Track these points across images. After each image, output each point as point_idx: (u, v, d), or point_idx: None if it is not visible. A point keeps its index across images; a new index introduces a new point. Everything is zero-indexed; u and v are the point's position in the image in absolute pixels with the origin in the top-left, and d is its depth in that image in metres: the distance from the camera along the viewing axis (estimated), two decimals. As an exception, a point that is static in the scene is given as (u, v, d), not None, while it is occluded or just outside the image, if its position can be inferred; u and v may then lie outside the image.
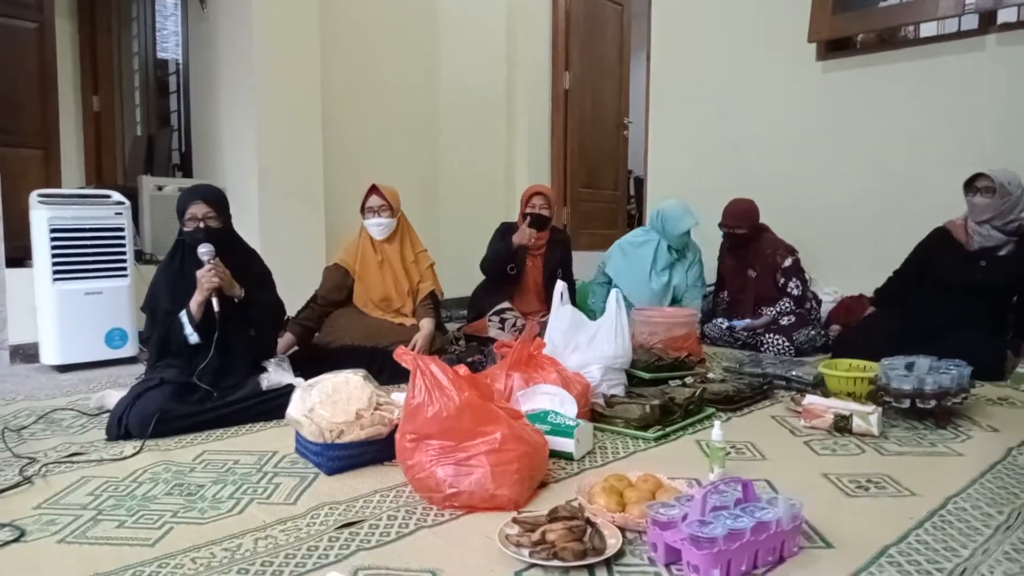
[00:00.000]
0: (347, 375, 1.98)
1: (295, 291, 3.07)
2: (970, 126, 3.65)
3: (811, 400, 2.28)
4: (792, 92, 4.31)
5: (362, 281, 3.12)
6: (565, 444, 1.94)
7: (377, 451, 1.90)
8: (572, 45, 5.68)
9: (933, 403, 2.22)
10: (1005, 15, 3.73)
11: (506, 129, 5.47)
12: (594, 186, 6.08)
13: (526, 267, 3.68)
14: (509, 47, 5.43)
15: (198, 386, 2.27)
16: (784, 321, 3.56)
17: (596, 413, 2.28)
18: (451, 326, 3.83)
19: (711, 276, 4.04)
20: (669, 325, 3.29)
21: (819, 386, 2.59)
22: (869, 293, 3.83)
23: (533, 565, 1.35)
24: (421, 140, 4.94)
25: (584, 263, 4.41)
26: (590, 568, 1.33)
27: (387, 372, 2.54)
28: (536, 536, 1.39)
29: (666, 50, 4.98)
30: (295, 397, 1.96)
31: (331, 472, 1.85)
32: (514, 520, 1.48)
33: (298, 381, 2.28)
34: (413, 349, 2.79)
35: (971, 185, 3.04)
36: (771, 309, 3.64)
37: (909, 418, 2.28)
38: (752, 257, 3.72)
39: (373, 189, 3.10)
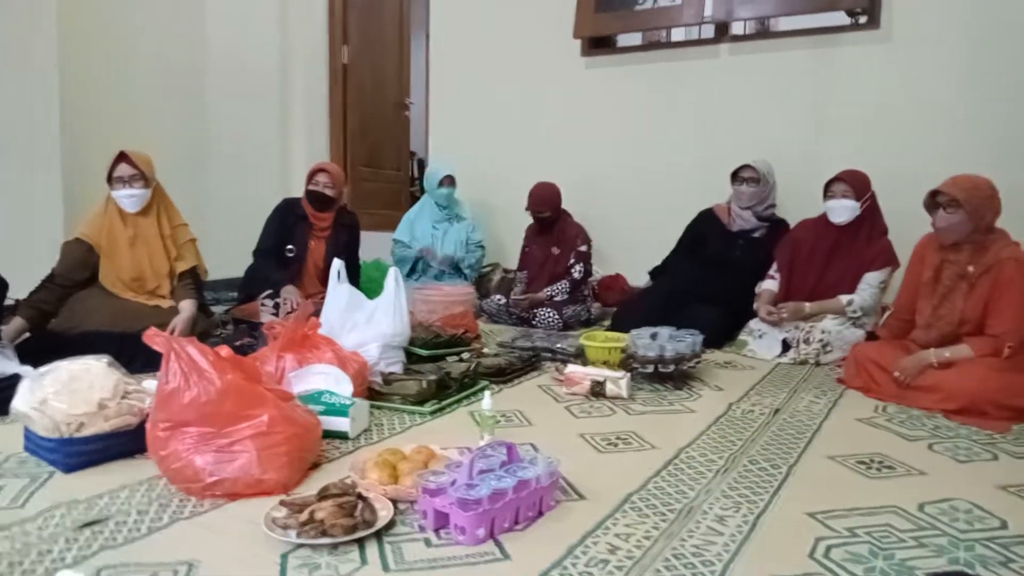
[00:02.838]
0: (88, 361, 1.78)
1: (26, 270, 2.68)
2: (711, 124, 4.14)
3: (571, 369, 2.48)
4: (560, 84, 4.58)
5: (110, 259, 2.80)
6: (340, 423, 1.92)
7: (126, 443, 1.73)
8: (350, 18, 5.53)
9: (672, 367, 2.52)
10: (736, 28, 4.29)
11: (280, 101, 5.19)
12: (376, 165, 6.00)
13: (308, 248, 3.53)
14: (282, 13, 5.14)
15: None
16: (558, 297, 3.81)
17: (373, 391, 2.27)
18: (219, 309, 3.58)
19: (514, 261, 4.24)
20: (447, 303, 3.37)
21: (580, 356, 2.81)
22: (626, 272, 4.25)
23: (301, 545, 1.32)
24: (185, 107, 4.52)
25: (366, 244, 4.34)
26: (360, 542, 1.34)
27: (141, 360, 2.30)
28: (304, 516, 1.36)
29: (445, 32, 5.04)
30: (22, 388, 1.72)
31: (69, 470, 1.66)
32: (281, 503, 1.43)
33: (25, 370, 2.00)
34: (172, 334, 2.57)
35: (737, 175, 3.46)
36: (553, 288, 3.86)
37: (653, 382, 2.56)
38: (558, 236, 3.93)
39: (121, 156, 2.78)
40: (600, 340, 2.80)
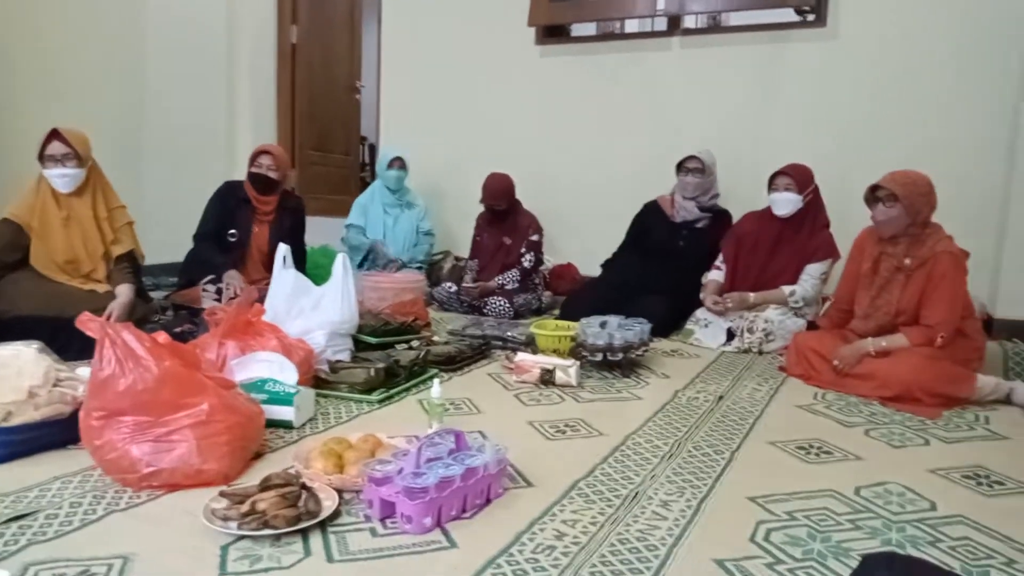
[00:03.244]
0: (17, 347, 1.70)
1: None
2: (663, 116, 4.16)
3: (521, 357, 2.48)
4: (513, 73, 4.55)
5: (42, 240, 2.68)
6: (284, 412, 1.88)
7: (57, 433, 1.67)
8: (300, -2, 5.40)
9: (620, 356, 2.54)
10: (688, 21, 4.33)
11: (226, 80, 5.03)
12: (325, 149, 5.88)
13: (252, 233, 3.44)
14: (229, -10, 4.98)
15: None
16: (509, 286, 3.80)
17: (319, 379, 2.23)
18: (158, 295, 3.47)
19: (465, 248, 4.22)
20: (397, 291, 3.33)
21: (530, 344, 2.81)
22: (577, 261, 4.27)
23: (242, 537, 1.29)
24: (123, 85, 4.34)
25: (314, 229, 4.26)
26: (304, 533, 1.31)
27: (75, 346, 2.19)
28: (246, 507, 1.33)
29: (398, 15, 4.95)
30: (-57, 376, 1.64)
31: (-4, 461, 1.58)
32: (221, 494, 1.40)
33: (-52, 358, 1.90)
34: (108, 320, 2.48)
35: (683, 166, 3.50)
36: (504, 277, 3.84)
37: (602, 369, 2.59)
38: (510, 226, 3.91)
39: (54, 134, 2.65)
40: (550, 328, 2.81)
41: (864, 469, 1.77)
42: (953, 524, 1.47)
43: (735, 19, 4.36)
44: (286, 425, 1.88)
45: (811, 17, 3.81)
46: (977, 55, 3.41)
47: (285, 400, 1.87)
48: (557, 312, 3.59)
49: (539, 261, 3.93)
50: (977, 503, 1.59)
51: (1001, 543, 1.39)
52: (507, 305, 3.69)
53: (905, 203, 2.44)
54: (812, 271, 3.13)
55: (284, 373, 1.97)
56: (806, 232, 3.17)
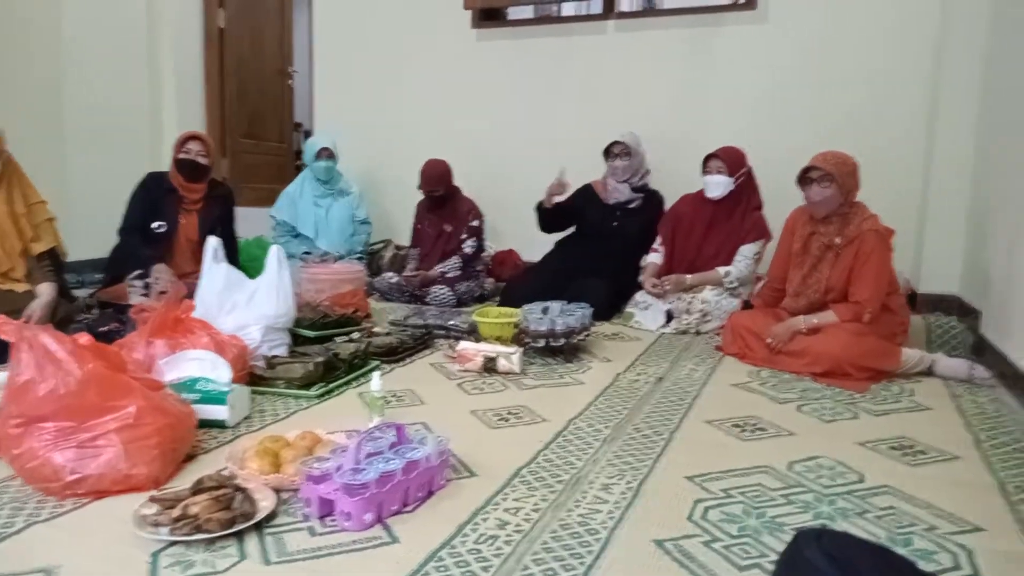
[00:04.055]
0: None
1: None
2: (599, 99, 4.18)
3: (463, 346, 2.47)
4: (450, 56, 4.49)
5: (-48, 239, 2.53)
6: (217, 411, 1.82)
7: (-29, 443, 1.57)
8: (226, -20, 5.20)
9: (563, 341, 2.56)
10: (624, 5, 4.35)
11: (149, 65, 4.81)
12: (257, 136, 5.71)
13: (179, 224, 3.31)
14: (150, -29, 4.75)
15: None
16: (450, 274, 3.77)
17: (255, 376, 2.17)
18: (83, 292, 3.32)
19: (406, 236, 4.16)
20: (336, 282, 3.26)
21: (473, 333, 2.80)
22: (519, 247, 4.27)
23: (174, 543, 1.25)
24: (37, 72, 4.10)
25: (249, 219, 4.15)
26: (239, 535, 1.28)
27: (-8, 349, 2.10)
28: (177, 512, 1.29)
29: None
30: None
31: (-97, 476, 1.49)
32: (151, 499, 1.35)
33: None
34: (29, 321, 2.36)
35: (610, 151, 3.52)
36: (445, 264, 3.80)
37: (544, 355, 2.60)
38: (450, 213, 3.87)
39: (-39, 126, 2.50)
40: (493, 316, 2.80)
41: (797, 444, 1.83)
42: (880, 495, 1.53)
43: (669, 2, 4.40)
44: (220, 425, 1.82)
45: (742, 0, 3.88)
46: (899, 34, 3.53)
47: (218, 399, 1.82)
48: (499, 299, 3.59)
49: (480, 247, 3.91)
50: (902, 473, 1.66)
51: (923, 510, 1.46)
52: (449, 293, 3.66)
53: (839, 182, 2.52)
54: (745, 252, 3.20)
55: (216, 371, 1.91)
56: (739, 214, 3.25)
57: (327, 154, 4.21)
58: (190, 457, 1.64)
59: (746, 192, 3.24)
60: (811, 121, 3.67)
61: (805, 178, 2.61)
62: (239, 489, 1.36)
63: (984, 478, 1.64)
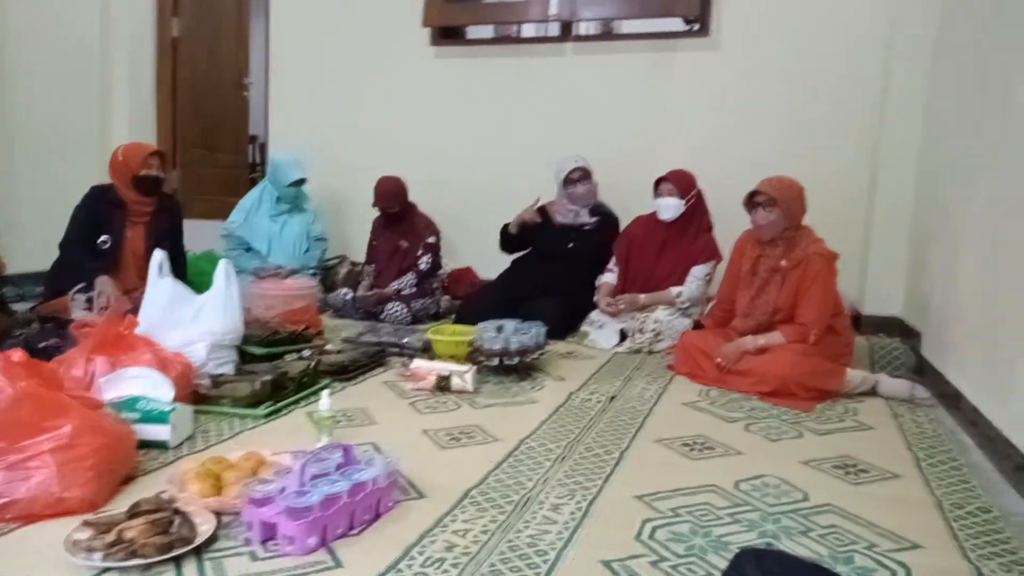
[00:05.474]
0: None
1: None
2: (557, 121, 4.21)
3: (417, 364, 2.45)
4: (408, 73, 4.48)
5: None
6: (158, 431, 1.77)
7: None
8: (182, -11, 5.12)
9: (517, 359, 2.56)
10: (583, 28, 4.41)
11: (100, 75, 4.69)
12: (211, 148, 5.60)
13: (125, 238, 3.22)
14: (102, -22, 4.65)
15: None
16: (406, 291, 3.74)
17: (200, 395, 2.12)
18: (23, 306, 3.20)
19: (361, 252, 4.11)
20: (287, 298, 3.23)
21: (428, 351, 2.78)
22: (476, 265, 4.27)
23: (108, 569, 1.20)
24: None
25: (200, 232, 4.06)
26: (176, 560, 1.24)
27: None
28: (111, 537, 1.24)
29: (287, 9, 4.78)
30: None
31: None
32: (85, 523, 1.30)
33: None
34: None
35: (569, 178, 3.54)
36: (400, 281, 3.77)
37: (499, 374, 2.59)
38: (406, 229, 3.84)
39: None
40: (448, 334, 2.79)
41: (743, 463, 1.85)
42: (823, 513, 1.56)
43: (627, 27, 4.48)
44: (161, 445, 1.77)
45: (696, 27, 3.98)
46: (846, 63, 3.65)
47: (159, 418, 1.76)
48: (455, 316, 3.58)
49: (436, 264, 3.89)
50: (844, 491, 1.69)
51: (865, 528, 1.49)
52: (405, 310, 3.64)
53: (783, 207, 2.59)
54: (696, 272, 3.26)
55: (158, 389, 1.85)
56: (690, 235, 3.31)
57: (300, 183, 4.12)
58: (129, 479, 1.58)
59: (697, 214, 3.30)
60: (761, 145, 3.77)
61: (751, 202, 2.67)
62: (178, 512, 1.32)
63: (923, 496, 1.68)
